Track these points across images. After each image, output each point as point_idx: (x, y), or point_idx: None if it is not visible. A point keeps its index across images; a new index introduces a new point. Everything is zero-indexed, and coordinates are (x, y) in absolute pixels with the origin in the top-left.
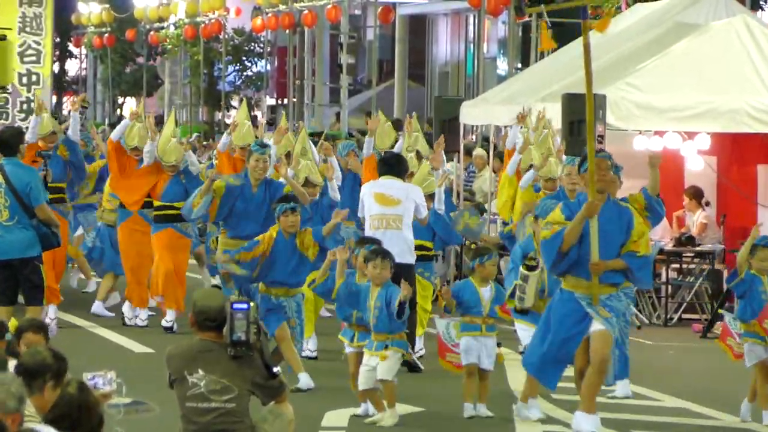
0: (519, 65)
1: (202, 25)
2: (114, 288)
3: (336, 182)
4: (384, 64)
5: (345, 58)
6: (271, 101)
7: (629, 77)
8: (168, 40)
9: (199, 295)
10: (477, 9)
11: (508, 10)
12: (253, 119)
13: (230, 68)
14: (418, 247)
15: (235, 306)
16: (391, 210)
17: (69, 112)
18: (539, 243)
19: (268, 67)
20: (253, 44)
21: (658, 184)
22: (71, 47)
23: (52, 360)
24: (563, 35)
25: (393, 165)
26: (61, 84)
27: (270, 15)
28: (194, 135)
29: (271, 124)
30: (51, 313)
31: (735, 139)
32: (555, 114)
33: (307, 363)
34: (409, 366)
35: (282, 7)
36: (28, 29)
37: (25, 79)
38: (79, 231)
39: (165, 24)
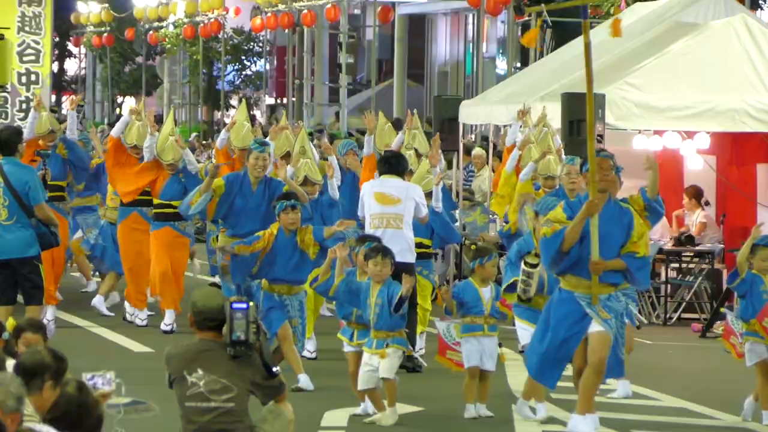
0: (518, 65)
1: (201, 25)
2: (114, 287)
3: (336, 181)
4: (383, 63)
5: (344, 58)
6: (270, 101)
7: (628, 77)
8: (167, 40)
9: (198, 295)
10: (476, 8)
11: (508, 9)
12: (252, 118)
13: (229, 68)
14: (416, 245)
15: (235, 306)
16: (392, 209)
17: (67, 111)
18: (539, 240)
19: (268, 66)
20: (252, 44)
21: (657, 186)
22: (70, 46)
23: (52, 360)
24: (563, 35)
25: (393, 164)
26: (60, 83)
27: (269, 14)
28: (193, 134)
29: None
30: (49, 314)
31: (734, 139)
32: (554, 113)
33: (306, 363)
34: (408, 370)
35: (281, 6)
36: (27, 29)
37: (24, 79)
38: (78, 234)
39: (164, 23)
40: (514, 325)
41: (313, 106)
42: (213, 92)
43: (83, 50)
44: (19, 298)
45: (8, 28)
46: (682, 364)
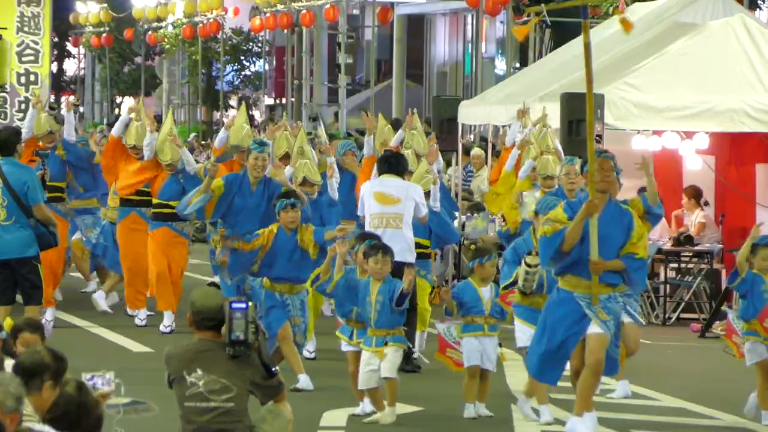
0: (517, 65)
1: (200, 25)
2: (115, 288)
3: (335, 181)
4: (382, 63)
5: (343, 58)
6: (269, 101)
7: (627, 77)
8: (166, 40)
9: (197, 295)
10: (475, 9)
11: (506, 9)
12: (251, 119)
13: (228, 68)
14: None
15: (234, 305)
16: (391, 209)
17: (64, 113)
18: (538, 239)
19: (267, 66)
20: (251, 44)
21: (657, 194)
22: (69, 47)
23: (51, 360)
24: (563, 35)
25: (393, 163)
26: (59, 84)
27: (268, 15)
28: (192, 135)
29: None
30: (49, 315)
31: (733, 139)
32: (553, 114)
33: (306, 363)
34: (406, 372)
35: (280, 6)
36: (26, 29)
37: (23, 79)
38: (77, 235)
39: (163, 24)
40: (513, 324)
41: (312, 107)
42: (212, 92)
43: (82, 50)
44: (18, 298)
45: (7, 29)
46: (681, 364)
